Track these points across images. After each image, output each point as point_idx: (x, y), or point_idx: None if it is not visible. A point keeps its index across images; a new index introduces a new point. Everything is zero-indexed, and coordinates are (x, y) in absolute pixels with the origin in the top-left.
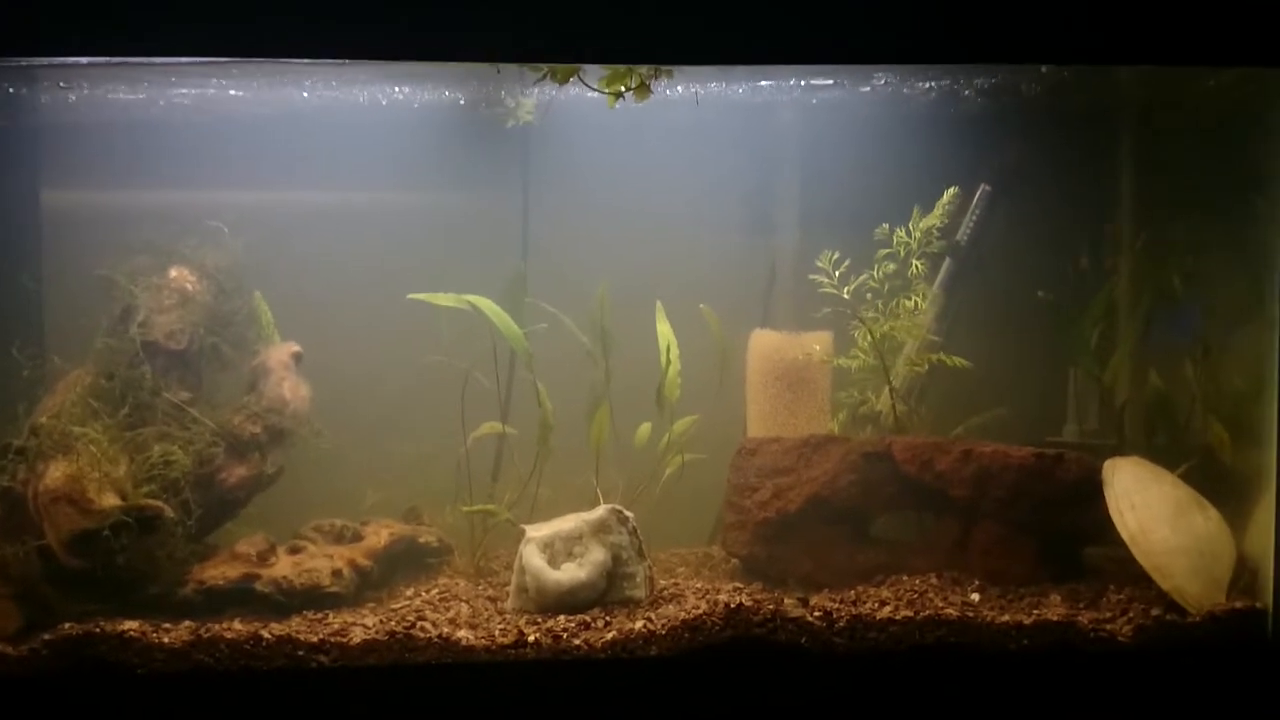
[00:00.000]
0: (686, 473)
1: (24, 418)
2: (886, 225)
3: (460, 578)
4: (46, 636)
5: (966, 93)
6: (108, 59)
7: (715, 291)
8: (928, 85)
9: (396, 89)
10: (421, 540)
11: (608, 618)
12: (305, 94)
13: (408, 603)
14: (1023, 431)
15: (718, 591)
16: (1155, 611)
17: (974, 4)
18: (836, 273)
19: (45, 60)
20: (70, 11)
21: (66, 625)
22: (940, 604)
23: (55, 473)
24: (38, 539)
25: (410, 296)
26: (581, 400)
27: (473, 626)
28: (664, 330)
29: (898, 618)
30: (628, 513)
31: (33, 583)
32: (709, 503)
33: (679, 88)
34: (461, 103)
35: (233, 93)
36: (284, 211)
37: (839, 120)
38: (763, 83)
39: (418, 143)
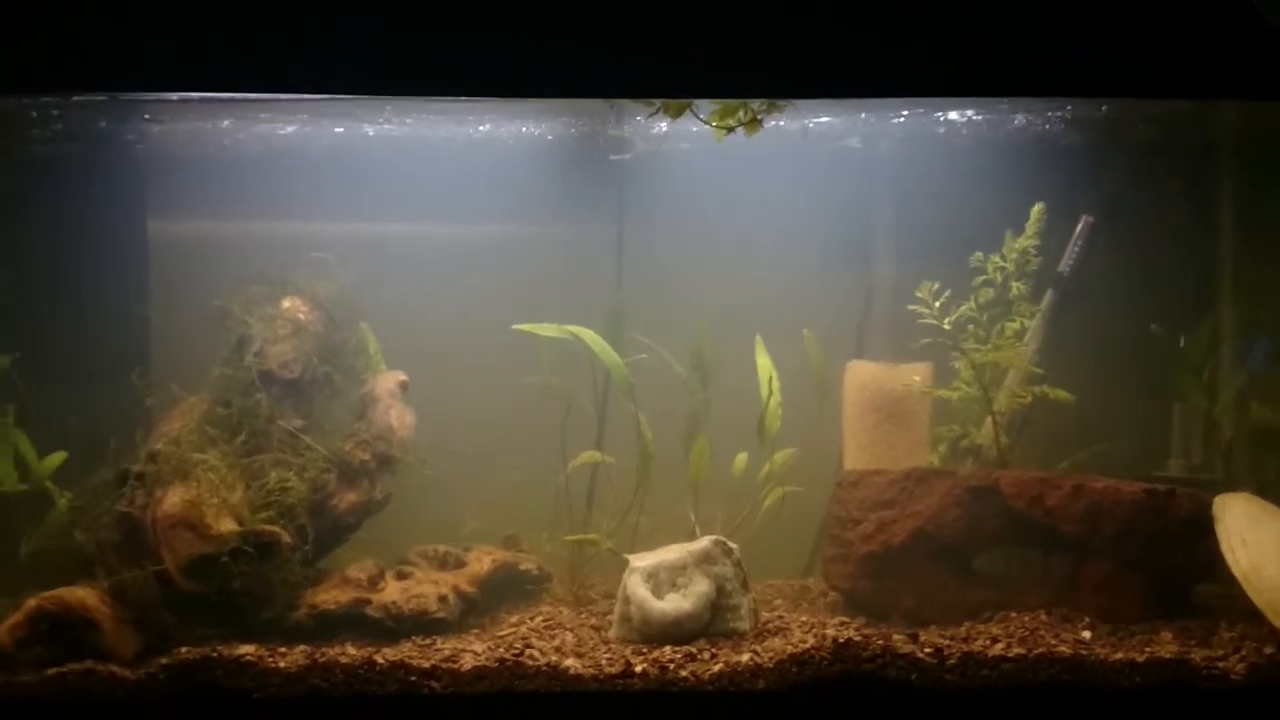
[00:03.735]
0: (780, 504)
1: (141, 444)
2: (980, 253)
3: (562, 606)
4: (163, 660)
5: (1069, 122)
6: (231, 95)
7: (808, 321)
8: (1029, 117)
9: (486, 125)
10: (522, 567)
11: (713, 650)
12: (396, 130)
13: (513, 630)
14: (1125, 466)
15: (824, 625)
16: (1268, 649)
17: (1083, 35)
18: (937, 303)
19: (161, 96)
20: (186, 50)
21: (183, 649)
22: (1053, 642)
23: (173, 498)
24: (155, 564)
25: (515, 328)
26: (677, 430)
27: (579, 655)
28: (764, 363)
29: (1010, 655)
30: (732, 544)
31: (150, 607)
32: (803, 534)
33: (781, 121)
34: (549, 138)
35: (338, 130)
36: (387, 242)
37: (936, 150)
38: (862, 115)
39: (516, 175)
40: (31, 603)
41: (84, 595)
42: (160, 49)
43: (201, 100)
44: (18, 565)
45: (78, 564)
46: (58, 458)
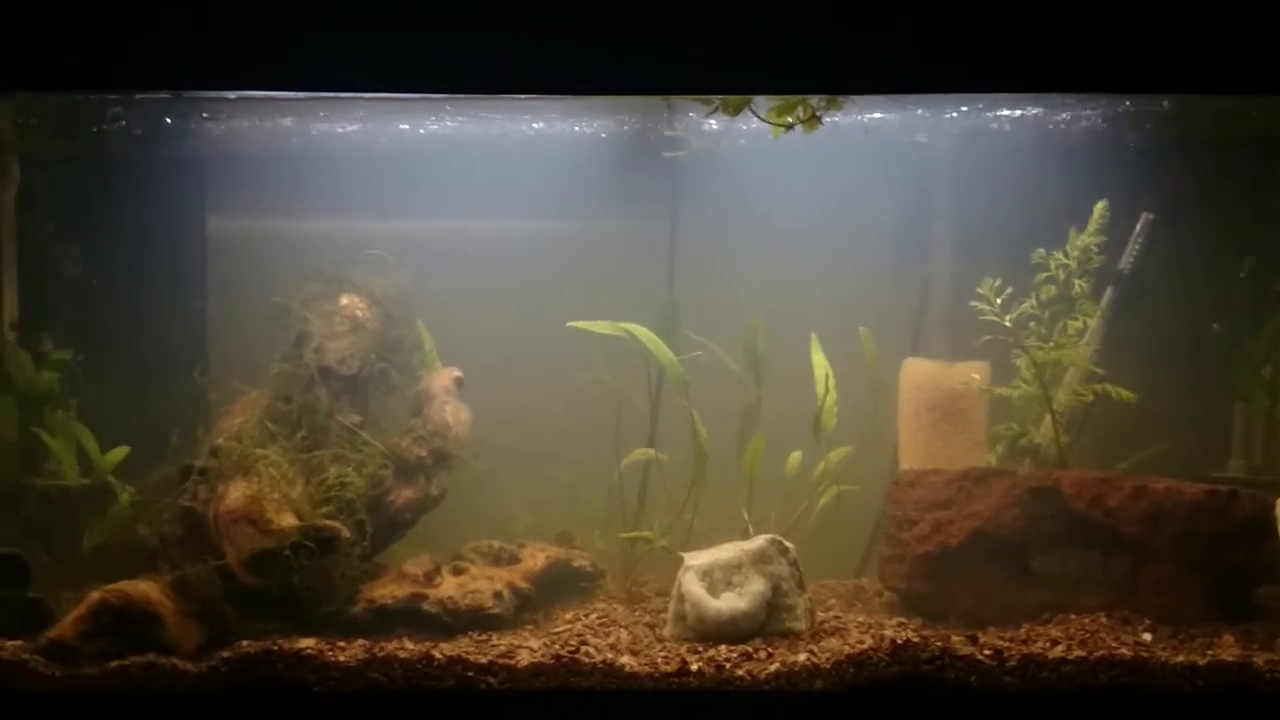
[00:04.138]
0: (834, 503)
1: (203, 439)
2: (1043, 250)
3: (616, 603)
4: (225, 654)
5: (1129, 118)
6: (283, 94)
7: (862, 319)
8: (1087, 112)
9: (540, 123)
10: (575, 564)
11: (770, 649)
12: (450, 129)
13: (568, 627)
14: (1184, 466)
15: (882, 626)
16: None
17: (1144, 33)
18: (998, 300)
19: (220, 93)
20: (244, 48)
21: (244, 643)
22: (1113, 644)
23: (235, 493)
24: (218, 558)
25: (570, 325)
26: (729, 428)
27: (634, 653)
28: (820, 361)
29: (1070, 657)
30: (788, 543)
31: (212, 601)
32: (856, 534)
33: (835, 117)
34: (603, 135)
35: (403, 126)
36: (440, 240)
37: (992, 146)
38: (918, 112)
39: (569, 173)
40: (94, 595)
41: (146, 589)
42: (216, 48)
43: (264, 99)
44: (80, 559)
45: (141, 558)
46: (120, 452)
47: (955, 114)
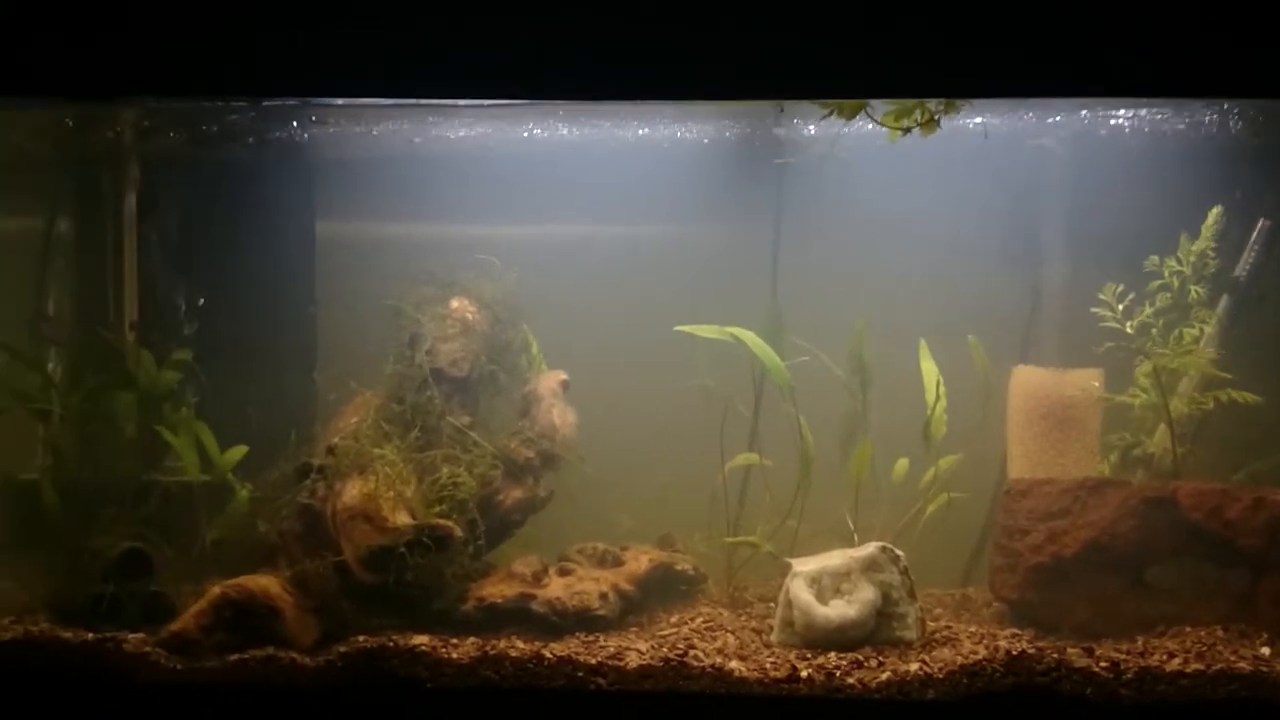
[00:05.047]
0: (944, 511)
1: (320, 438)
2: (1156, 257)
3: (720, 608)
4: (342, 649)
5: (1242, 124)
6: (391, 100)
7: (970, 325)
8: (1203, 115)
9: (645, 129)
10: (678, 568)
11: (880, 658)
12: (567, 131)
13: (675, 630)
14: None
15: (995, 637)
16: None
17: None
18: (1120, 306)
19: (339, 101)
20: (356, 56)
21: (360, 638)
22: (1231, 658)
23: (352, 491)
24: (335, 554)
25: (677, 329)
26: (832, 434)
27: (742, 658)
28: (930, 368)
29: (1188, 671)
30: (898, 551)
31: (330, 596)
32: (960, 542)
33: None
34: (705, 141)
35: (530, 133)
36: (546, 244)
37: (1105, 151)
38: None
39: (672, 176)
40: (216, 590)
41: (267, 584)
42: (326, 56)
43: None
44: (200, 553)
45: (260, 553)
46: (239, 451)
47: (1060, 117)
